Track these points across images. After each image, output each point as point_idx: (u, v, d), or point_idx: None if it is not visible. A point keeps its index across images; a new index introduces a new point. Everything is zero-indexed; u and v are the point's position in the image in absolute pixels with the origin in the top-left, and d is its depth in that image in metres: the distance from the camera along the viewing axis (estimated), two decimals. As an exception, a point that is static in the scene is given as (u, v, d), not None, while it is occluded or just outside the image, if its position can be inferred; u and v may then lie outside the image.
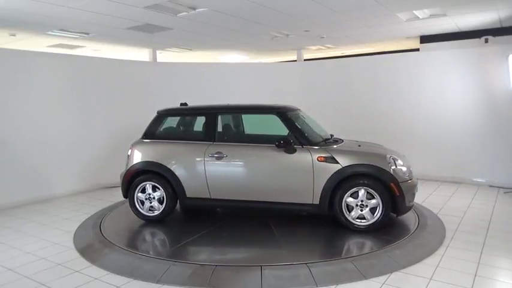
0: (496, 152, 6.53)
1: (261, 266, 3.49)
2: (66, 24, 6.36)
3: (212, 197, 4.66)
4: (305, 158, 4.34)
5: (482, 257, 3.70)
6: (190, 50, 9.44)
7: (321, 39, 8.52)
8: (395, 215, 4.42)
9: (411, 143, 7.14)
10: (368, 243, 4.01)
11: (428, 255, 3.76)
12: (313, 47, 9.68)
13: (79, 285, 3.35)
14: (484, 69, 6.61)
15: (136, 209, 4.89)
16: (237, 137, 5.06)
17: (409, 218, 4.70)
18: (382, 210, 4.17)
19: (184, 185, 4.69)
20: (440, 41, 8.17)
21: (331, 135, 5.01)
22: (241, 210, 5.20)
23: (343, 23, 6.86)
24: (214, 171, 4.60)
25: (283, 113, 4.65)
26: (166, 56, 10.10)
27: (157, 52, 9.17)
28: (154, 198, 4.82)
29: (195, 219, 5.14)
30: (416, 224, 4.55)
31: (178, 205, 4.98)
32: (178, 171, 4.70)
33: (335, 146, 4.56)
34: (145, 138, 5.06)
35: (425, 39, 8.44)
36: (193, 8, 5.61)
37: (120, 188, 5.07)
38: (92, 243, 4.27)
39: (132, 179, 4.88)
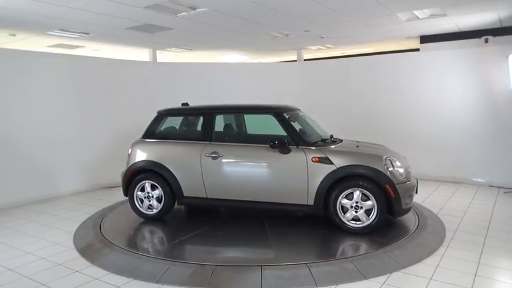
0: (496, 152, 6.53)
1: (261, 266, 3.49)
2: (66, 24, 6.36)
3: (209, 197, 4.70)
4: (299, 158, 4.32)
5: (482, 257, 3.70)
6: (190, 50, 9.44)
7: (321, 39, 8.52)
8: (392, 217, 4.38)
9: (411, 143, 7.14)
10: (368, 244, 4.00)
11: (428, 255, 3.76)
12: (313, 47, 9.68)
13: (79, 285, 3.35)
14: (484, 69, 6.61)
15: (136, 207, 4.99)
16: (233, 137, 5.07)
17: (409, 218, 4.69)
18: (377, 212, 4.10)
19: (182, 184, 4.75)
20: (440, 41, 8.17)
21: (331, 136, 4.99)
22: (238, 210, 5.21)
23: (343, 23, 6.86)
24: (210, 171, 4.64)
25: (280, 113, 4.64)
26: (166, 56, 10.10)
27: (157, 52, 9.18)
28: (152, 196, 4.90)
29: (194, 217, 5.17)
30: (416, 224, 4.55)
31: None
32: (176, 170, 4.75)
33: (331, 147, 4.52)
34: (145, 138, 5.14)
35: (425, 39, 8.44)
36: (193, 8, 5.61)
37: (120, 188, 5.13)
38: (92, 243, 4.27)
39: (132, 178, 4.97)
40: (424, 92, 7.18)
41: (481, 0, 5.53)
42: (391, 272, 3.41)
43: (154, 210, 4.92)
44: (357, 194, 4.16)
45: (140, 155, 4.98)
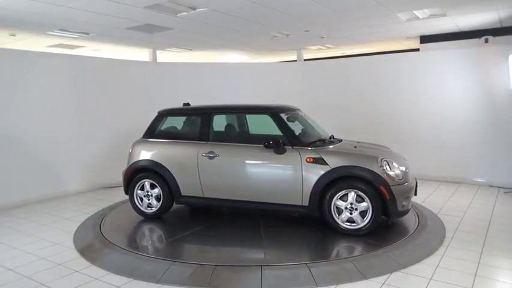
0: (496, 152, 6.53)
1: (260, 266, 3.49)
2: (66, 24, 6.36)
3: (205, 196, 4.74)
4: (294, 158, 4.30)
5: (482, 257, 3.70)
6: (190, 50, 9.44)
7: (321, 39, 8.52)
8: (388, 220, 4.32)
9: (411, 143, 7.14)
10: (368, 244, 3.99)
11: (428, 255, 3.76)
12: (313, 47, 9.68)
13: (79, 285, 3.35)
14: (484, 69, 6.61)
15: (136, 205, 5.06)
16: (230, 137, 5.07)
17: (409, 218, 4.69)
18: (372, 214, 4.04)
19: (180, 183, 4.80)
20: (440, 41, 8.17)
21: (331, 136, 4.99)
22: (236, 210, 5.22)
23: (343, 23, 6.86)
24: (207, 171, 4.67)
25: (275, 114, 4.64)
26: (166, 56, 10.10)
27: (157, 52, 9.18)
28: (152, 195, 4.97)
29: (195, 216, 5.21)
30: (416, 224, 4.55)
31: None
32: (174, 169, 4.81)
33: (327, 147, 4.49)
34: (146, 137, 5.21)
35: (425, 39, 8.44)
36: (193, 8, 5.61)
37: (120, 188, 5.18)
38: (92, 243, 4.27)
39: (132, 177, 5.06)
40: (424, 92, 7.18)
41: (481, 0, 5.53)
42: (391, 272, 3.41)
43: (153, 208, 4.99)
44: (351, 196, 4.10)
45: (140, 154, 5.05)
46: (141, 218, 5.07)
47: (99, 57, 8.08)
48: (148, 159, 4.97)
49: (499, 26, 7.37)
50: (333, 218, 4.19)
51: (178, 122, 5.32)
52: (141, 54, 9.44)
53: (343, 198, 4.15)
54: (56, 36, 7.32)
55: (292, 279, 3.33)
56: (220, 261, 3.63)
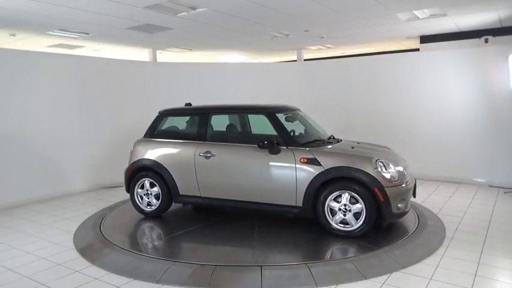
0: (496, 152, 6.53)
1: (261, 266, 3.49)
2: (66, 24, 6.36)
3: (202, 195, 4.78)
4: (288, 159, 4.28)
5: (482, 257, 3.70)
6: (190, 50, 9.44)
7: (321, 39, 8.52)
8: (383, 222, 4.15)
9: (411, 143, 7.14)
10: (367, 244, 3.99)
11: (428, 255, 3.76)
12: (313, 47, 9.68)
13: (79, 285, 3.35)
14: (484, 69, 6.61)
15: (136, 203, 5.14)
16: (227, 137, 5.09)
17: (409, 218, 4.69)
18: (366, 216, 3.98)
19: (178, 182, 4.86)
20: (440, 41, 8.17)
21: (331, 136, 4.98)
22: (233, 209, 5.22)
23: (343, 23, 6.86)
24: (204, 170, 4.71)
25: (271, 114, 4.64)
26: (166, 56, 10.10)
27: (157, 52, 9.18)
28: (151, 194, 5.03)
29: (194, 215, 5.24)
30: (416, 224, 4.55)
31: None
32: (173, 169, 4.87)
33: (323, 148, 4.45)
34: (146, 137, 5.28)
35: (425, 39, 8.44)
36: (193, 8, 5.61)
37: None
38: (92, 243, 4.27)
39: (133, 176, 5.15)
40: (424, 92, 7.18)
41: (481, 0, 5.53)
42: (391, 272, 3.41)
43: (153, 207, 5.05)
44: (345, 197, 4.05)
45: (140, 154, 5.13)
46: (141, 217, 5.11)
47: (99, 57, 8.08)
48: (148, 159, 5.04)
49: (499, 26, 7.37)
50: (326, 219, 4.14)
51: (178, 122, 5.37)
52: (141, 54, 9.44)
53: (337, 199, 4.09)
54: (56, 36, 7.32)
55: (292, 279, 3.33)
56: (209, 260, 3.63)
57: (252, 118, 5.33)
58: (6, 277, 3.54)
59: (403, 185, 4.17)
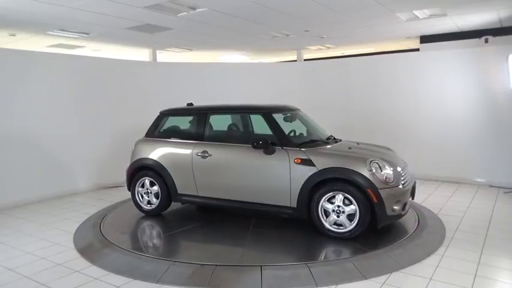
0: (496, 152, 6.53)
1: (261, 266, 3.49)
2: (66, 24, 6.36)
3: (200, 195, 4.82)
4: (283, 159, 4.26)
5: (482, 257, 3.70)
6: (190, 50, 9.44)
7: (321, 39, 8.51)
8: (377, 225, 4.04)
9: (411, 142, 7.15)
10: (367, 244, 3.98)
11: (428, 255, 3.76)
12: (313, 47, 9.67)
13: (79, 285, 3.35)
14: (484, 69, 6.61)
15: (137, 202, 5.24)
16: (224, 136, 5.10)
17: (409, 218, 4.69)
18: (359, 218, 3.94)
19: (176, 181, 4.91)
20: (440, 41, 8.16)
21: (330, 136, 4.97)
22: (233, 209, 5.23)
23: (343, 23, 6.86)
24: (200, 170, 4.75)
25: (267, 114, 4.64)
26: (166, 56, 10.10)
27: (157, 52, 9.17)
28: (151, 193, 5.11)
29: (194, 214, 5.25)
30: (416, 224, 4.55)
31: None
32: (171, 168, 4.93)
33: (318, 148, 4.41)
34: (147, 136, 5.36)
35: (425, 39, 8.44)
36: (193, 8, 5.61)
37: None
38: (92, 243, 4.27)
39: (134, 174, 5.24)
40: (424, 92, 7.19)
41: (481, 0, 5.53)
42: (391, 272, 3.41)
43: (152, 205, 5.13)
44: (339, 198, 4.01)
45: (141, 153, 5.22)
46: (141, 217, 5.13)
47: (99, 57, 8.08)
48: (148, 158, 5.11)
49: (499, 26, 7.37)
50: (320, 221, 4.12)
51: (178, 122, 5.41)
52: (141, 54, 9.44)
53: (331, 200, 4.06)
54: (56, 36, 7.32)
55: (292, 279, 3.33)
56: (209, 260, 3.64)
57: (249, 118, 5.35)
58: (6, 277, 3.54)
59: (399, 187, 4.10)
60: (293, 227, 4.58)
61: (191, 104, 5.46)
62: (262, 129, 4.76)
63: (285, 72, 8.80)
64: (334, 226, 4.08)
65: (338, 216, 4.04)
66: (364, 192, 3.92)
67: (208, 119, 4.96)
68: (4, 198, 5.84)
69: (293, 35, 7.85)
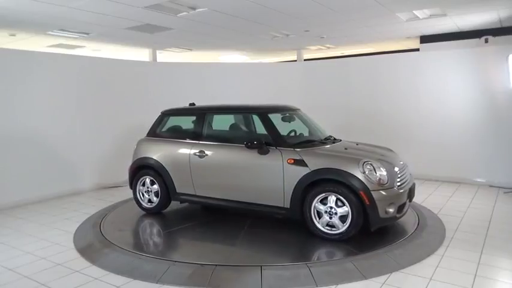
0: (496, 152, 6.53)
1: (261, 266, 3.49)
2: (66, 24, 6.36)
3: (197, 194, 4.87)
4: (276, 159, 4.25)
5: (482, 257, 3.71)
6: (190, 50, 9.44)
7: (321, 39, 8.51)
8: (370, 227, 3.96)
9: (411, 142, 7.15)
10: (367, 244, 3.98)
11: (428, 255, 3.76)
12: (313, 47, 9.67)
13: (79, 285, 3.35)
14: (484, 69, 6.61)
15: (138, 200, 5.35)
16: (220, 136, 5.11)
17: (409, 218, 4.69)
18: (352, 219, 3.89)
19: (175, 180, 4.97)
20: (440, 41, 8.16)
21: (329, 136, 4.96)
22: (226, 209, 5.24)
23: (343, 23, 6.86)
24: (198, 169, 4.80)
25: (262, 114, 4.65)
26: (166, 56, 10.10)
27: (157, 52, 9.18)
28: (151, 191, 5.18)
29: (195, 214, 5.29)
30: (416, 224, 4.55)
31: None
32: (171, 167, 4.99)
33: (312, 148, 4.38)
34: (148, 136, 5.44)
35: (425, 39, 8.44)
36: (193, 8, 5.61)
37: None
38: (92, 243, 4.27)
39: (135, 173, 5.33)
40: (424, 92, 7.19)
41: (481, 0, 5.53)
42: (391, 272, 3.41)
43: (153, 204, 5.21)
44: (331, 199, 3.98)
45: (142, 152, 5.29)
46: (141, 217, 5.15)
47: (99, 57, 8.07)
48: (148, 157, 5.18)
49: (499, 26, 7.37)
50: (313, 221, 4.09)
51: (178, 122, 5.46)
52: (141, 54, 9.44)
53: (324, 201, 4.03)
54: (56, 36, 7.32)
55: (292, 279, 3.33)
56: (209, 260, 3.64)
57: (247, 118, 5.36)
58: (6, 277, 3.54)
59: (394, 189, 4.01)
60: (293, 227, 4.58)
61: (193, 104, 5.49)
62: (261, 129, 4.76)
63: (285, 72, 8.80)
64: (327, 227, 4.05)
65: (330, 218, 4.02)
66: (356, 194, 3.88)
67: (206, 119, 5.00)
68: (4, 198, 5.84)
69: (293, 35, 7.85)
